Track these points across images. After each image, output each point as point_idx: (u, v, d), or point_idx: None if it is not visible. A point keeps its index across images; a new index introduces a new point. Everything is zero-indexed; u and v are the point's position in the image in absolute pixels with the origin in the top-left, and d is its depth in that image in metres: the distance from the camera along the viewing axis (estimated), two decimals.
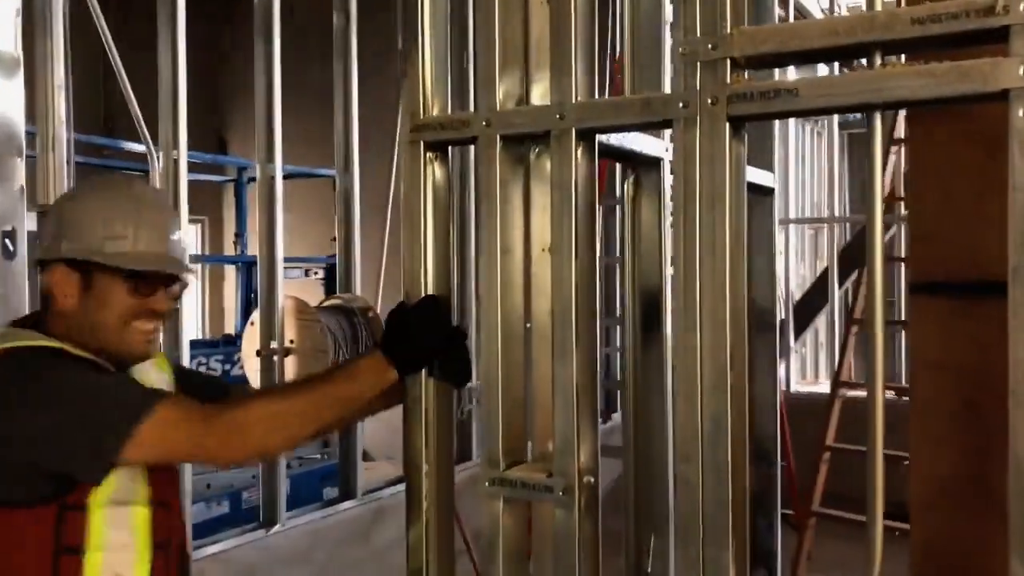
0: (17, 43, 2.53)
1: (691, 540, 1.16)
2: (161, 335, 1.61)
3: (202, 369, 5.07)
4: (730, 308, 1.17)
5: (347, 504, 3.94)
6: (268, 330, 3.63)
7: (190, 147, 3.24)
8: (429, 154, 1.45)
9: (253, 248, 6.08)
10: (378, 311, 4.35)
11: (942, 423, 1.18)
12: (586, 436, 1.36)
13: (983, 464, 1.13)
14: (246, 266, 5.61)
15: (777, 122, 1.75)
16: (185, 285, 1.62)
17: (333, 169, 6.10)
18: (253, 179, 5.97)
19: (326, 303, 4.04)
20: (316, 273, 6.33)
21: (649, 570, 1.85)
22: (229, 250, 6.85)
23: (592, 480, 1.37)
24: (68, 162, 2.85)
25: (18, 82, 2.54)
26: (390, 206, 4.52)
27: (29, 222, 2.62)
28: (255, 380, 3.68)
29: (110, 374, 1.48)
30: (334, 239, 6.47)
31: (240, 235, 5.83)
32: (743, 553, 1.21)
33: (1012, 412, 0.97)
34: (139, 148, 3.83)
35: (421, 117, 1.43)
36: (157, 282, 1.52)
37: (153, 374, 1.59)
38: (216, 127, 8.10)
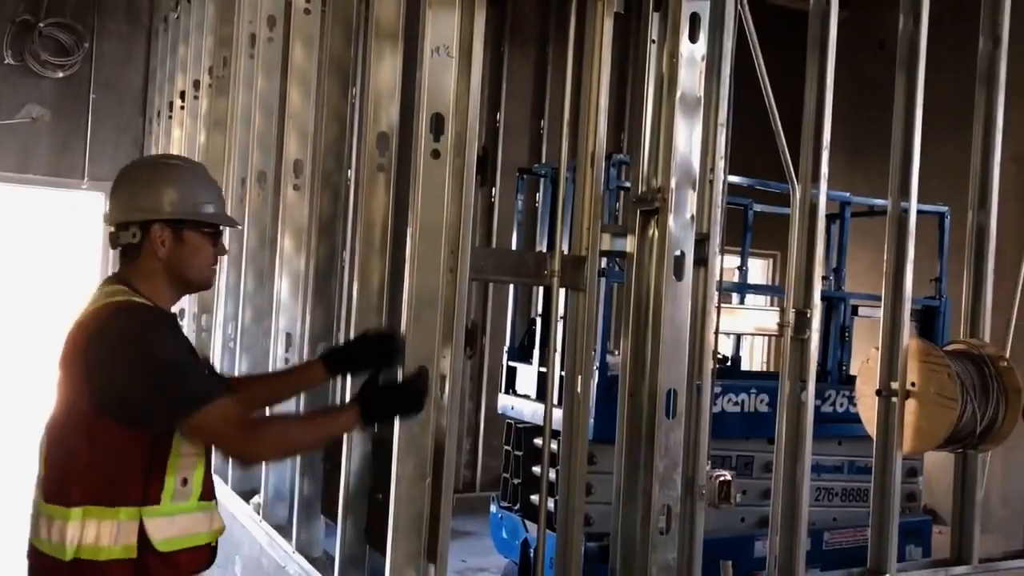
0: (700, 86, 2.79)
1: None
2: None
3: None
4: None
5: (960, 569, 3.61)
6: (889, 370, 3.49)
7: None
8: None
9: (849, 285, 5.96)
10: (1007, 358, 3.92)
11: None
12: None
13: None
14: (835, 302, 5.50)
15: None
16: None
17: (938, 205, 5.75)
18: (859, 214, 5.86)
19: (949, 347, 3.77)
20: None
21: None
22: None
23: None
24: (724, 192, 3.04)
25: (698, 123, 2.79)
26: None
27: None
28: (870, 420, 3.56)
29: (188, 346, 2.17)
30: (934, 280, 6.09)
31: (839, 270, 5.74)
32: None
33: None
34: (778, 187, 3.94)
35: None
36: (220, 233, 2.23)
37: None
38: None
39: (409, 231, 2.58)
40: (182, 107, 5.91)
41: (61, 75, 6.96)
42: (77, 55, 6.97)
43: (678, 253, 2.76)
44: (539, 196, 5.59)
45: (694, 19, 2.73)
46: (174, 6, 6.37)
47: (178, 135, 6.01)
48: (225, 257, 2.39)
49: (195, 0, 5.71)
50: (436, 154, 2.54)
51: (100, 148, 7.14)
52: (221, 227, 2.25)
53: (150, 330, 2.04)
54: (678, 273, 2.75)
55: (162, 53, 6.80)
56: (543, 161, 7.70)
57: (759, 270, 9.18)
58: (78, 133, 7.10)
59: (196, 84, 5.54)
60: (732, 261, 6.23)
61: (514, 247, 5.75)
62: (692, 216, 2.79)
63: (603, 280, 4.58)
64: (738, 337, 6.10)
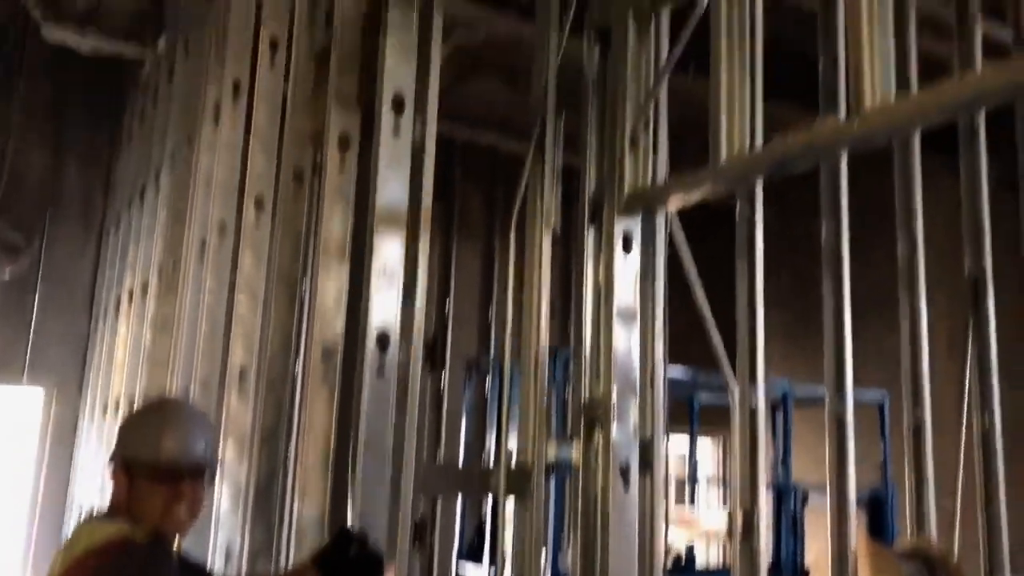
0: (636, 298, 2.90)
1: None
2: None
3: None
4: None
5: None
6: (840, 572, 3.45)
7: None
8: None
9: (799, 468, 5.98)
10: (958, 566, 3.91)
11: None
12: None
13: None
14: (784, 494, 5.52)
15: None
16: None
17: (878, 391, 5.90)
18: (803, 400, 5.97)
19: (898, 549, 3.75)
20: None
21: None
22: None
23: None
24: (665, 396, 3.11)
25: (636, 331, 2.88)
26: (963, 431, 4.13)
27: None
28: None
29: None
30: (879, 464, 6.16)
31: (785, 460, 5.78)
32: None
33: None
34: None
35: None
36: (178, 476, 2.09)
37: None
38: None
39: (353, 447, 2.57)
40: (129, 306, 5.91)
41: (8, 278, 6.97)
42: (26, 254, 7.01)
43: (623, 464, 2.78)
44: (488, 383, 5.63)
45: (627, 235, 2.88)
46: (127, 207, 6.50)
47: (124, 333, 5.98)
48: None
49: (147, 205, 5.84)
50: (381, 371, 2.57)
51: (43, 345, 7.06)
52: (181, 472, 2.13)
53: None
54: (625, 483, 2.76)
55: (111, 254, 6.87)
56: (491, 349, 7.78)
57: (708, 450, 9.20)
58: (21, 331, 7.04)
59: (144, 286, 5.58)
60: (681, 439, 6.25)
61: (463, 435, 5.73)
62: (635, 425, 2.83)
63: (554, 476, 4.55)
64: None
